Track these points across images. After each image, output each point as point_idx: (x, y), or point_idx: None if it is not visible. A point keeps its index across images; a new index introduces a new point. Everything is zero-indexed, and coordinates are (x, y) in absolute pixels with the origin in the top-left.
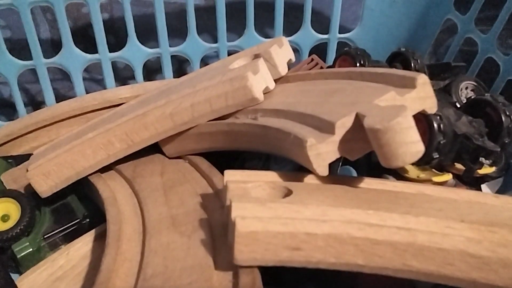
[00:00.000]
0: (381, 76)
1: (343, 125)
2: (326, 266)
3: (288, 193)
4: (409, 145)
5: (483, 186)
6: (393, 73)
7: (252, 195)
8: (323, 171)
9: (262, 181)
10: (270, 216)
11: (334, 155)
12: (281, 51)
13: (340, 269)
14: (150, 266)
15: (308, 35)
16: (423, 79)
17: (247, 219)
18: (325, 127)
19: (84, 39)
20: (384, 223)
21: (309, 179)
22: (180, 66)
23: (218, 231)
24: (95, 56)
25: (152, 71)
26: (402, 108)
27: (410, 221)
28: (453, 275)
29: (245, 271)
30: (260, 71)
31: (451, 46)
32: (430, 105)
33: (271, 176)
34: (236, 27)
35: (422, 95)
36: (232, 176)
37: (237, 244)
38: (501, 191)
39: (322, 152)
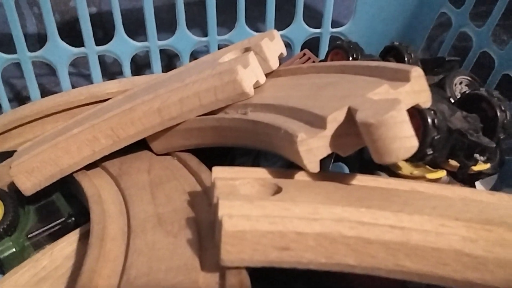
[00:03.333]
0: (374, 69)
1: (335, 119)
2: (317, 266)
3: (278, 190)
4: (402, 140)
5: (477, 183)
6: (386, 66)
7: (240, 192)
8: (314, 167)
9: (251, 178)
10: (259, 215)
11: (326, 150)
12: (272, 45)
13: (331, 269)
14: (134, 267)
15: (300, 29)
16: (417, 72)
17: (234, 218)
18: (317, 121)
19: (72, 33)
20: (377, 221)
21: (300, 176)
22: (170, 61)
23: (205, 230)
24: (81, 49)
25: (140, 66)
26: (395, 101)
27: (404, 219)
28: (448, 276)
29: (232, 272)
30: (250, 64)
31: (445, 40)
32: (425, 99)
33: (260, 173)
34: (227, 21)
35: (416, 88)
36: (220, 172)
37: (224, 244)
38: (495, 188)
39: (313, 147)
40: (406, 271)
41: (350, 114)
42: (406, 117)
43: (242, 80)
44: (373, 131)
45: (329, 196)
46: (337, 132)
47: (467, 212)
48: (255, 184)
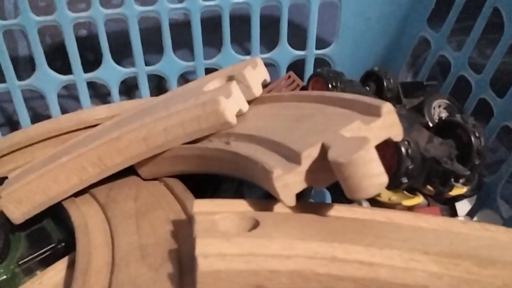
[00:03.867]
0: (349, 102)
1: (309, 155)
2: None
3: (256, 224)
4: (372, 178)
5: (457, 204)
6: (360, 100)
7: (219, 227)
8: (290, 201)
9: (231, 211)
10: (234, 253)
11: (301, 185)
12: (255, 73)
13: None
14: None
15: (284, 52)
16: (387, 108)
17: (209, 258)
18: (292, 156)
19: (63, 55)
20: (348, 256)
21: (279, 207)
22: (159, 82)
23: (187, 263)
24: (70, 77)
25: (131, 87)
26: (365, 140)
27: (375, 253)
28: None
29: None
30: (232, 94)
31: (426, 61)
32: (396, 132)
33: (240, 206)
34: (215, 41)
35: (388, 123)
36: (201, 206)
37: (199, 284)
38: (475, 207)
39: (289, 182)
40: None
41: (324, 150)
42: (374, 155)
43: (225, 110)
44: (343, 170)
45: (305, 230)
46: (312, 167)
47: (437, 245)
48: (234, 218)
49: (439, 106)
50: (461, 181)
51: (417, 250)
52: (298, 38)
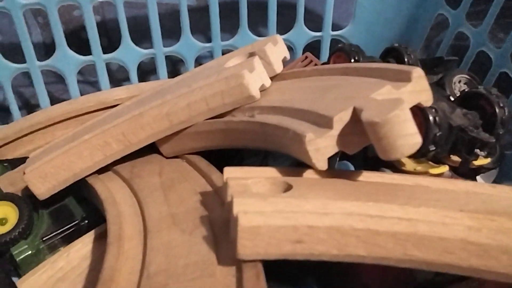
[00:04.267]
0: (376, 71)
1: (341, 119)
2: (329, 258)
3: (288, 188)
4: (407, 137)
5: (478, 178)
6: (388, 68)
7: (252, 190)
8: (322, 165)
9: (262, 177)
10: (272, 210)
11: (333, 149)
12: (276, 49)
13: (342, 260)
14: (153, 264)
15: (301, 33)
16: (418, 73)
17: (249, 214)
18: (323, 122)
19: (76, 42)
20: (385, 214)
21: (308, 174)
22: (174, 67)
23: (219, 228)
24: (89, 58)
25: (146, 72)
26: (399, 101)
27: (410, 211)
28: (454, 263)
29: (248, 265)
30: (255, 69)
31: (443, 41)
32: (426, 98)
33: (270, 172)
34: (229, 27)
35: (418, 88)
36: (231, 173)
37: (240, 239)
38: (496, 182)
39: (321, 146)
40: (414, 260)
41: (355, 114)
42: (409, 116)
43: (249, 84)
44: (378, 129)
45: (338, 192)
46: (343, 131)
47: (470, 204)
48: (266, 183)
49: (459, 81)
50: (485, 151)
51: (452, 209)
52: (312, 23)
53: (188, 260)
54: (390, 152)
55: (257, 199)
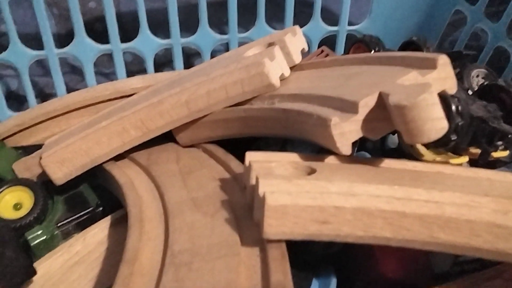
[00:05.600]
0: (399, 59)
1: (366, 104)
2: (354, 239)
3: (312, 171)
4: (434, 121)
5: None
6: (412, 56)
7: (276, 173)
8: (347, 150)
9: (285, 161)
10: (298, 191)
11: (357, 134)
12: (295, 40)
13: (367, 242)
14: (177, 244)
15: (317, 27)
16: (443, 60)
17: (276, 193)
18: (348, 107)
19: (91, 33)
20: (411, 196)
21: (330, 160)
22: (188, 60)
23: (240, 212)
24: (107, 46)
25: (159, 64)
26: (426, 85)
27: (436, 195)
28: (480, 246)
29: (273, 245)
30: (276, 58)
31: (460, 36)
32: (451, 85)
33: (292, 157)
34: (243, 22)
35: (443, 75)
36: (254, 156)
37: (266, 218)
38: None
39: (346, 131)
40: (440, 242)
41: (381, 99)
42: (437, 100)
43: (269, 72)
44: (406, 113)
45: (362, 176)
46: (368, 116)
47: (494, 190)
48: (289, 167)
49: (477, 76)
50: (504, 143)
51: (477, 194)
52: (325, 20)
53: (212, 240)
54: (417, 136)
55: (282, 180)
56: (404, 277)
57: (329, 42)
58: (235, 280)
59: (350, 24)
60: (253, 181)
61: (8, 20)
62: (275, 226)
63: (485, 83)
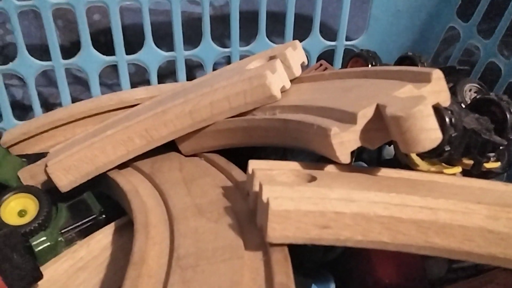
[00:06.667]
0: (396, 73)
1: (365, 115)
2: (353, 243)
3: (312, 179)
4: (429, 131)
5: None
6: (408, 70)
7: (278, 181)
8: (346, 159)
9: (286, 169)
10: (300, 197)
11: (356, 143)
12: (296, 54)
13: (366, 246)
14: (182, 247)
15: (316, 42)
16: (437, 74)
17: (279, 199)
18: (347, 118)
19: (95, 45)
20: (407, 203)
21: (330, 168)
22: (190, 72)
23: (243, 218)
24: (112, 58)
25: (162, 76)
26: (421, 97)
27: (431, 202)
28: (473, 251)
29: (276, 249)
30: (277, 70)
31: (453, 52)
32: (444, 98)
33: (293, 166)
34: (244, 36)
35: (437, 89)
36: (256, 164)
37: (270, 222)
38: None
39: (345, 140)
40: (435, 247)
41: (378, 110)
42: (431, 111)
43: (271, 84)
44: (402, 123)
45: (361, 183)
46: (366, 127)
47: (486, 198)
48: (290, 175)
49: (470, 90)
50: (496, 154)
51: (470, 201)
52: (323, 35)
53: (216, 244)
54: (413, 145)
55: (285, 187)
56: (400, 283)
57: (327, 56)
58: (240, 282)
59: (347, 39)
60: (256, 188)
61: (17, 31)
62: (279, 230)
63: (478, 97)
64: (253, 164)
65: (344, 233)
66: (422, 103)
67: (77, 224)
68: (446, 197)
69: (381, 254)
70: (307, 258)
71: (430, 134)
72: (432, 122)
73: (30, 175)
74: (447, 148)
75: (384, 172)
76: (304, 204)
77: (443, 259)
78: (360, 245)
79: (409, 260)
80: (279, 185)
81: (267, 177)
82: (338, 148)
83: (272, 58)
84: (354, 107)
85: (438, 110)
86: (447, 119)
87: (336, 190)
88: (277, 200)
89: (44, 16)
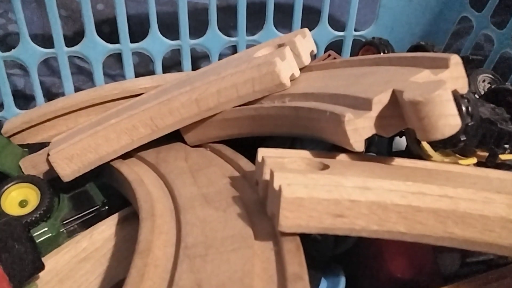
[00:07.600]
0: (411, 59)
1: (380, 101)
2: (369, 234)
3: (325, 167)
4: (448, 117)
5: None
6: (424, 56)
7: (289, 168)
8: (360, 146)
9: (297, 157)
10: (314, 184)
11: (370, 131)
12: (305, 42)
13: (382, 237)
14: (190, 237)
15: (325, 32)
16: (456, 59)
17: (292, 186)
18: (361, 104)
19: (99, 35)
20: (425, 191)
21: (342, 157)
22: (194, 62)
23: (252, 207)
24: (117, 46)
25: (166, 67)
26: (441, 82)
27: (449, 191)
28: (494, 242)
29: (288, 238)
30: (287, 58)
31: (465, 44)
32: (462, 85)
33: (304, 154)
34: (250, 27)
35: (455, 74)
36: (266, 152)
37: (282, 210)
38: None
39: (359, 127)
40: (454, 238)
41: (394, 96)
42: (451, 97)
43: (280, 72)
44: (421, 108)
45: (375, 172)
46: (382, 113)
47: (506, 188)
48: (301, 163)
49: (484, 81)
50: (510, 146)
51: (489, 191)
52: (331, 26)
53: (225, 233)
54: (431, 132)
55: (297, 174)
56: (412, 277)
57: (335, 47)
58: (251, 271)
59: (355, 30)
60: (266, 176)
61: (20, 18)
62: (291, 219)
63: (493, 87)
64: (262, 151)
65: (359, 222)
66: (442, 87)
67: (79, 215)
68: (465, 186)
69: (392, 247)
70: (317, 251)
71: (450, 120)
72: (451, 108)
73: (32, 164)
74: (463, 138)
75: (399, 161)
76: (318, 191)
77: (456, 253)
78: (375, 236)
79: (421, 253)
80: (291, 172)
81: (277, 165)
82: (352, 135)
83: (281, 45)
84: (368, 93)
85: (455, 98)
86: (463, 108)
87: (351, 178)
88: (290, 187)
89: (48, 4)
